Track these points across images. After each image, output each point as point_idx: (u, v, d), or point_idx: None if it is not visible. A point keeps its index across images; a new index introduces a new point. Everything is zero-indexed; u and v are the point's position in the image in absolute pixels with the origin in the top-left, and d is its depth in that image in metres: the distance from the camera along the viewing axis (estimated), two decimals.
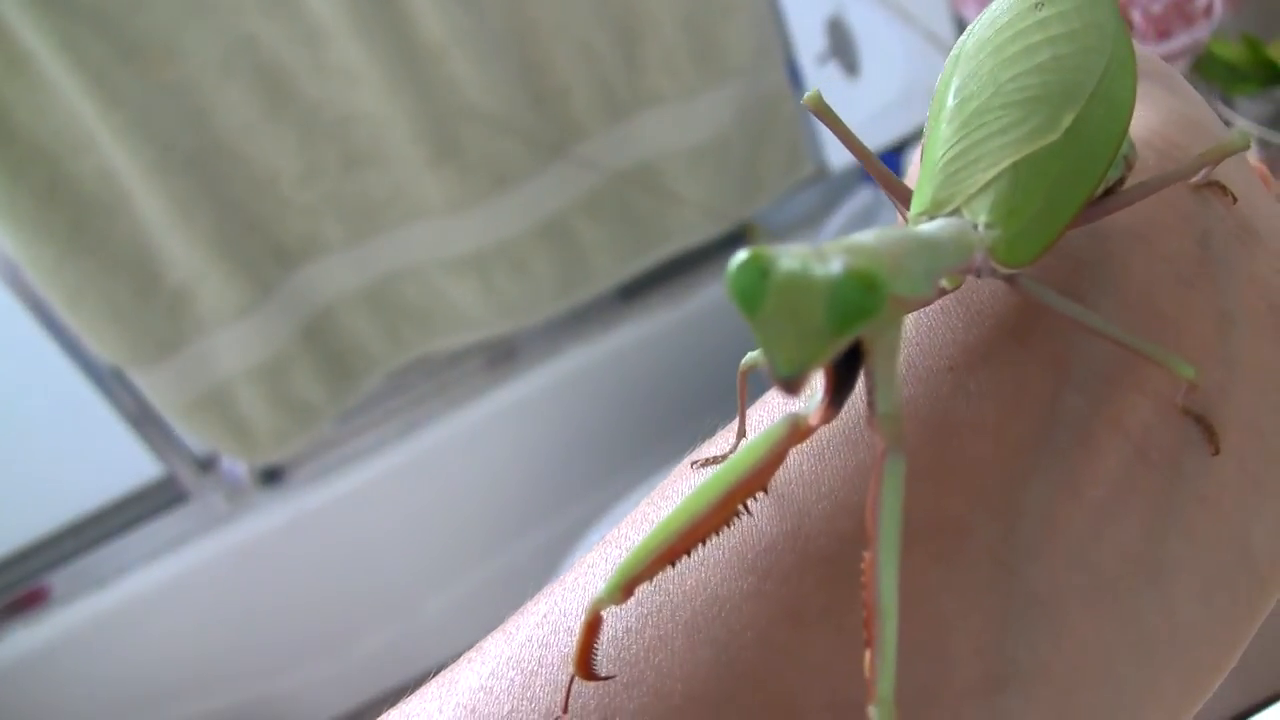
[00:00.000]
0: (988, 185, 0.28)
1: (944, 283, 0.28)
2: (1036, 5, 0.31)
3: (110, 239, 1.44)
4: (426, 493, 1.83)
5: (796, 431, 0.25)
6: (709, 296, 1.78)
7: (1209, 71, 1.16)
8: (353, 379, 1.69)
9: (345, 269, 1.59)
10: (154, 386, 1.56)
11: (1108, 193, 0.31)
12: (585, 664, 0.25)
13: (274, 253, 1.55)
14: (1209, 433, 0.28)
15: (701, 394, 1.68)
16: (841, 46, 1.60)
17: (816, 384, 0.25)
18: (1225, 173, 0.32)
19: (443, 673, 0.28)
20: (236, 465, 1.76)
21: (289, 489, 1.79)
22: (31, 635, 1.75)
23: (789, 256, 0.22)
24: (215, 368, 1.57)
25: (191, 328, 1.53)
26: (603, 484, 1.74)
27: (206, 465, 1.78)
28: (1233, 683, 0.30)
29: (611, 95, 1.55)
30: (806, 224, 1.82)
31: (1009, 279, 0.28)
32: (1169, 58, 1.14)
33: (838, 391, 0.25)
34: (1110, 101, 0.29)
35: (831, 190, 1.82)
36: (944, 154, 0.29)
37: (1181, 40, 1.13)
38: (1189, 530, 0.27)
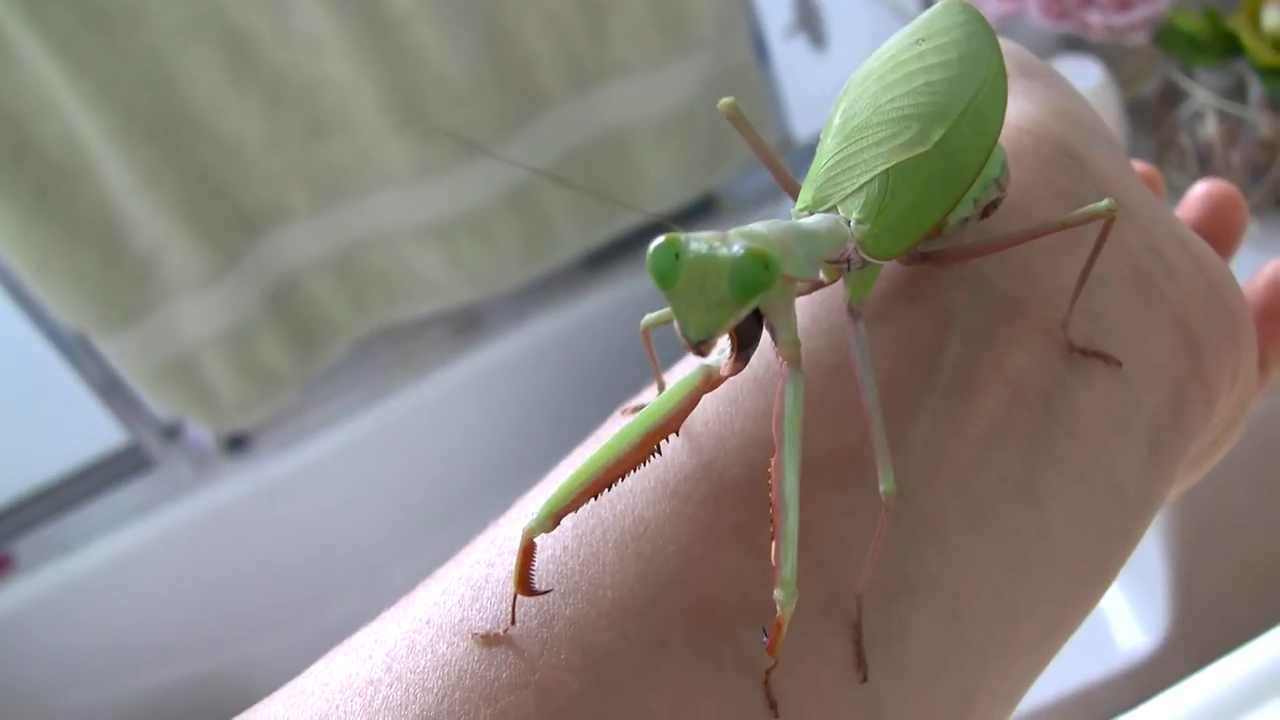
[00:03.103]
0: (861, 188, 0.33)
1: (822, 275, 0.32)
2: (918, 41, 0.36)
3: (75, 205, 1.44)
4: (393, 461, 1.83)
5: (709, 381, 0.29)
6: None
7: (1169, 43, 1.17)
8: (318, 347, 1.69)
9: (311, 236, 1.59)
10: (119, 353, 1.55)
11: (985, 213, 0.35)
12: (524, 582, 0.27)
13: (239, 220, 1.55)
14: (1099, 358, 0.33)
15: (665, 363, 1.69)
16: (809, 19, 1.61)
17: (724, 343, 0.29)
18: (1099, 156, 0.37)
19: (401, 598, 0.31)
20: (202, 433, 1.76)
21: (255, 457, 1.79)
22: None
23: (697, 241, 0.27)
24: (181, 334, 1.57)
25: (157, 294, 1.53)
26: (568, 451, 1.75)
27: (172, 433, 1.78)
28: None
29: (578, 65, 1.54)
30: (771, 195, 1.82)
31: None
32: (1130, 30, 1.15)
33: (743, 349, 0.29)
34: (979, 121, 0.33)
35: (796, 161, 1.83)
36: (827, 162, 0.34)
37: (1142, 12, 1.14)
38: (1060, 461, 0.31)
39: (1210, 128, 1.20)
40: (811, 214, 0.33)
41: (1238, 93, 1.18)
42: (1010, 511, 0.30)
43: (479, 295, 1.69)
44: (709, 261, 0.26)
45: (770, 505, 0.26)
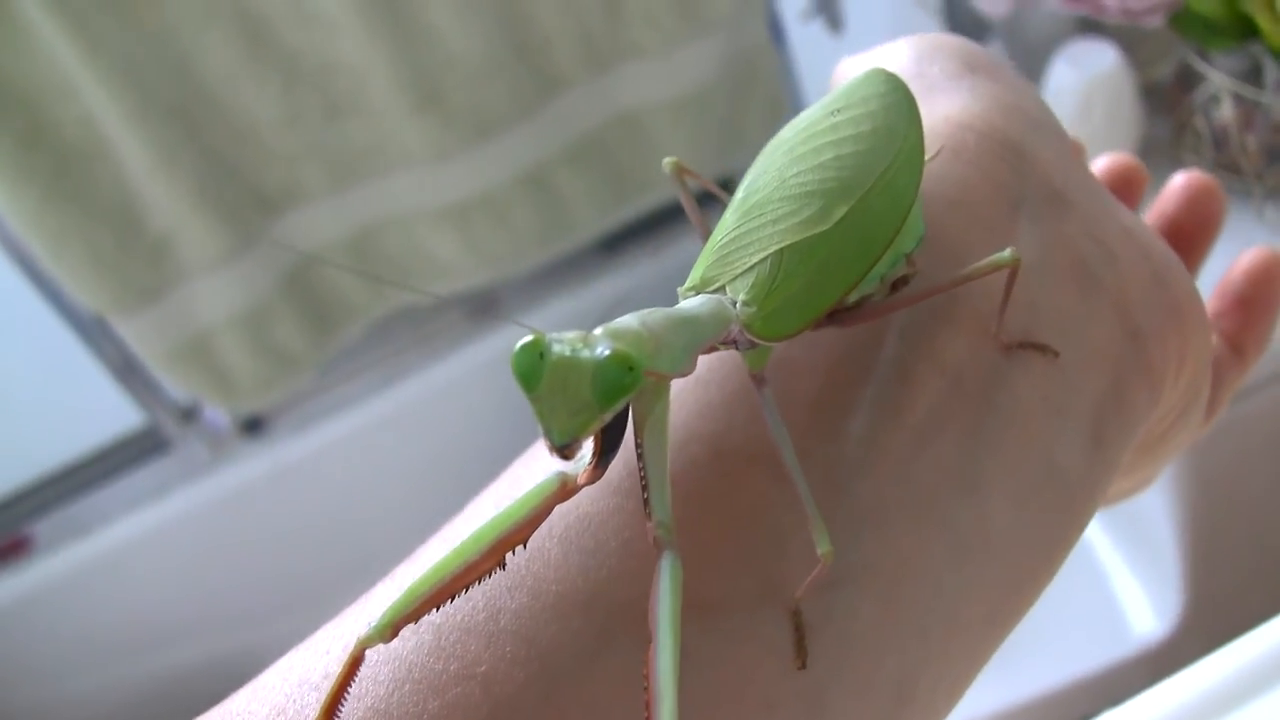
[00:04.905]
0: (751, 268, 0.32)
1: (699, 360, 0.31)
2: (834, 111, 0.35)
3: (92, 186, 1.44)
4: (409, 443, 1.84)
5: (563, 490, 0.28)
6: (689, 250, 1.78)
7: (1186, 26, 1.16)
8: (334, 328, 1.70)
9: (327, 218, 1.60)
10: (136, 334, 1.56)
11: (893, 288, 0.34)
12: (333, 704, 0.26)
13: (256, 201, 1.55)
14: (1035, 348, 0.33)
15: None
16: (826, 2, 1.60)
17: (587, 447, 0.28)
18: (1043, 148, 0.37)
19: (362, 596, 0.32)
20: (218, 414, 1.77)
21: (271, 438, 1.79)
22: (14, 584, 1.76)
23: (561, 342, 0.26)
24: (197, 316, 1.57)
25: (173, 276, 1.53)
26: None
27: (189, 414, 1.78)
28: None
29: (593, 47, 1.54)
30: None
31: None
32: (1145, 13, 1.14)
33: (604, 454, 0.28)
34: (889, 196, 0.33)
35: None
36: (722, 239, 0.33)
37: None
38: (999, 450, 0.31)
39: (1226, 111, 1.19)
40: (698, 294, 0.32)
41: (1254, 76, 1.18)
42: (949, 500, 0.30)
43: (495, 278, 1.69)
44: (571, 364, 0.25)
45: (645, 690, 0.25)
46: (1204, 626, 1.32)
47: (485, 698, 0.26)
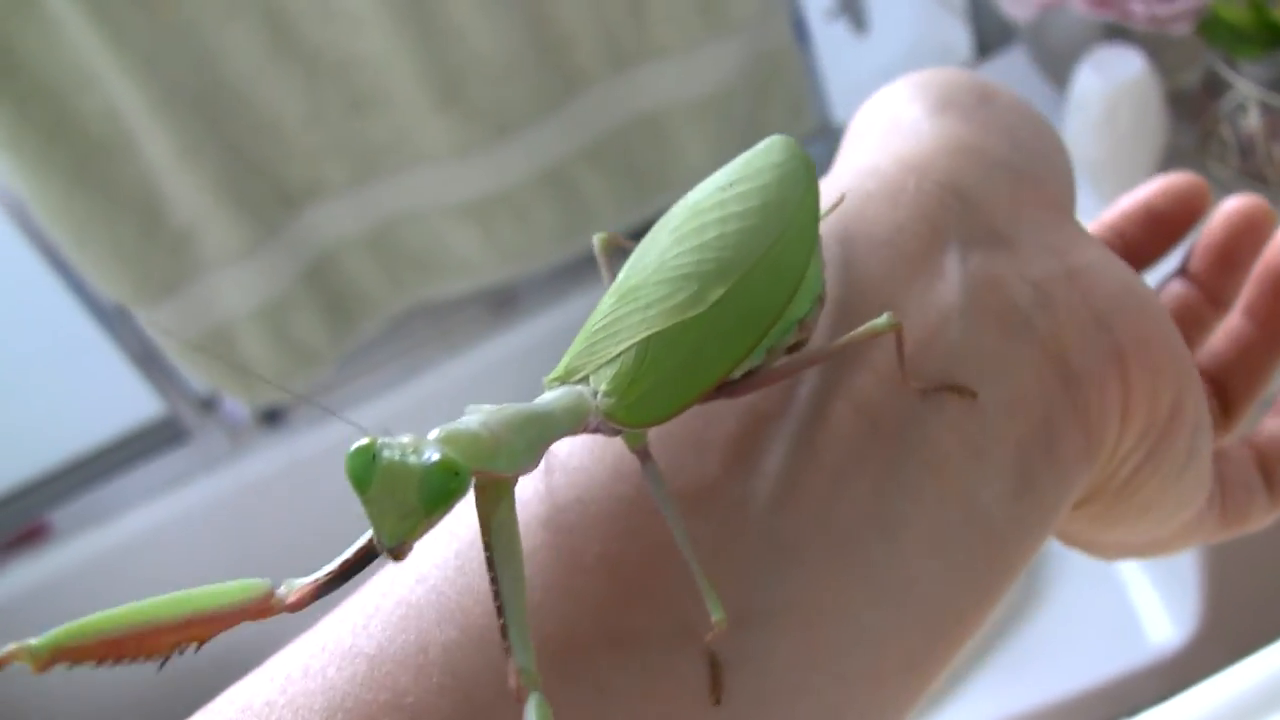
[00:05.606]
0: (616, 357, 0.31)
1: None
2: (727, 186, 0.34)
3: (115, 177, 1.45)
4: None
5: (263, 605, 0.28)
6: None
7: (1213, 34, 1.16)
8: (354, 322, 1.70)
9: (348, 212, 1.60)
10: (157, 325, 1.57)
11: (789, 350, 0.34)
12: None
13: (278, 195, 1.56)
14: (952, 390, 0.32)
15: None
16: (850, 2, 1.60)
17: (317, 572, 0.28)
18: (993, 191, 0.37)
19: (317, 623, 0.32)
20: (238, 406, 1.77)
21: (290, 430, 1.80)
22: (33, 570, 1.76)
23: (391, 448, 0.26)
24: (218, 307, 1.58)
25: (195, 267, 1.54)
26: None
27: (208, 405, 1.79)
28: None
29: (616, 46, 1.54)
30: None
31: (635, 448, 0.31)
32: (1173, 20, 1.14)
33: (332, 581, 0.28)
34: (774, 273, 0.32)
35: (833, 145, 1.82)
36: (594, 325, 0.32)
37: (1185, 1, 1.13)
38: (915, 492, 0.31)
39: (1253, 120, 1.19)
40: (562, 384, 0.32)
41: None
42: (866, 540, 0.30)
43: (514, 274, 1.70)
44: (399, 469, 0.26)
45: None
46: (1221, 636, 1.32)
47: None
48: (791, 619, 0.29)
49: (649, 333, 0.31)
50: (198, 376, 1.69)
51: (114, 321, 1.64)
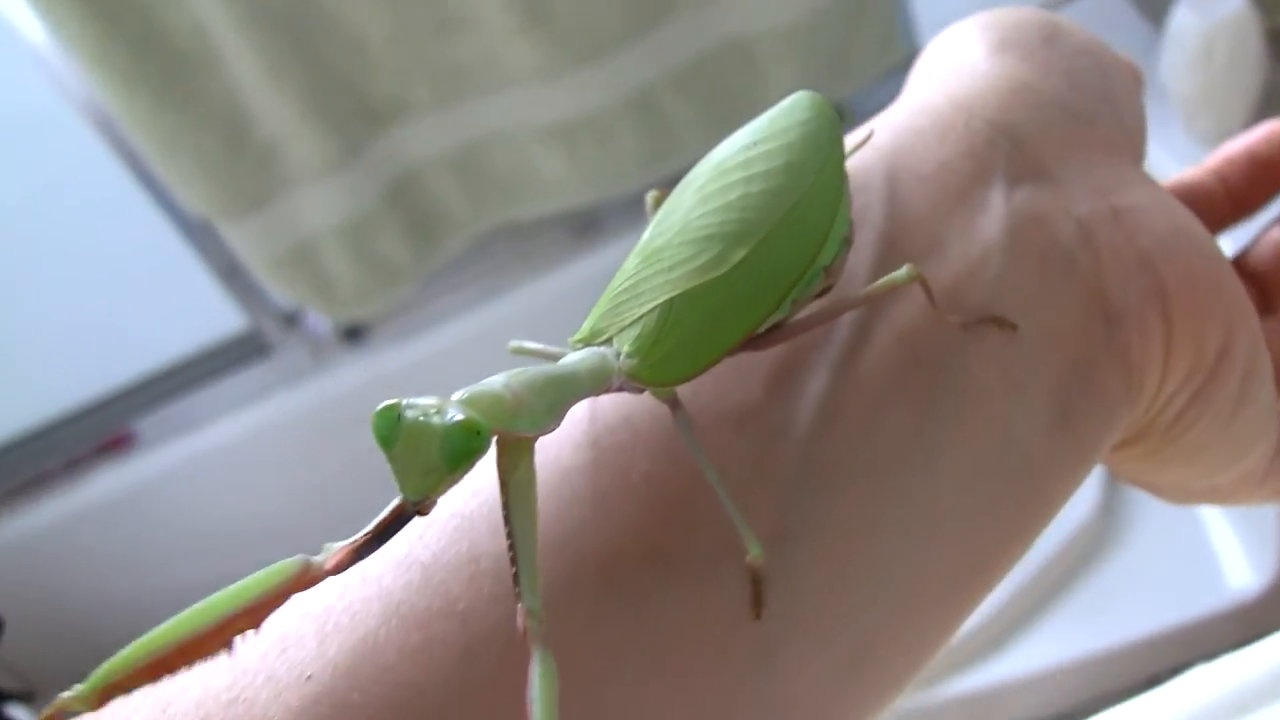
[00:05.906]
0: (639, 319, 0.32)
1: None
2: (751, 145, 0.35)
3: (202, 92, 1.46)
4: (506, 357, 1.85)
5: (305, 576, 0.27)
6: None
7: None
8: (436, 241, 1.71)
9: (432, 132, 1.60)
10: (242, 240, 1.58)
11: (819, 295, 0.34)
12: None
13: (363, 113, 1.56)
14: (993, 322, 0.32)
15: None
16: None
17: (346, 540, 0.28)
18: (1046, 133, 0.37)
19: None
20: (320, 321, 1.79)
21: (371, 347, 1.82)
22: (117, 477, 1.81)
23: (415, 408, 0.27)
24: (302, 223, 1.59)
25: (280, 183, 1.55)
26: None
27: (291, 320, 1.81)
28: None
29: None
30: None
31: (670, 402, 0.31)
32: None
33: (370, 543, 0.27)
34: (796, 233, 0.33)
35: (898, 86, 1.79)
36: (618, 287, 0.33)
37: None
38: (954, 421, 0.31)
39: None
40: (586, 346, 0.32)
41: None
42: (904, 468, 0.31)
43: (598, 197, 1.69)
44: (423, 429, 0.26)
45: None
46: None
47: (463, 632, 0.28)
48: (827, 540, 0.30)
49: (672, 294, 0.32)
50: (281, 291, 1.70)
51: (199, 235, 1.65)
